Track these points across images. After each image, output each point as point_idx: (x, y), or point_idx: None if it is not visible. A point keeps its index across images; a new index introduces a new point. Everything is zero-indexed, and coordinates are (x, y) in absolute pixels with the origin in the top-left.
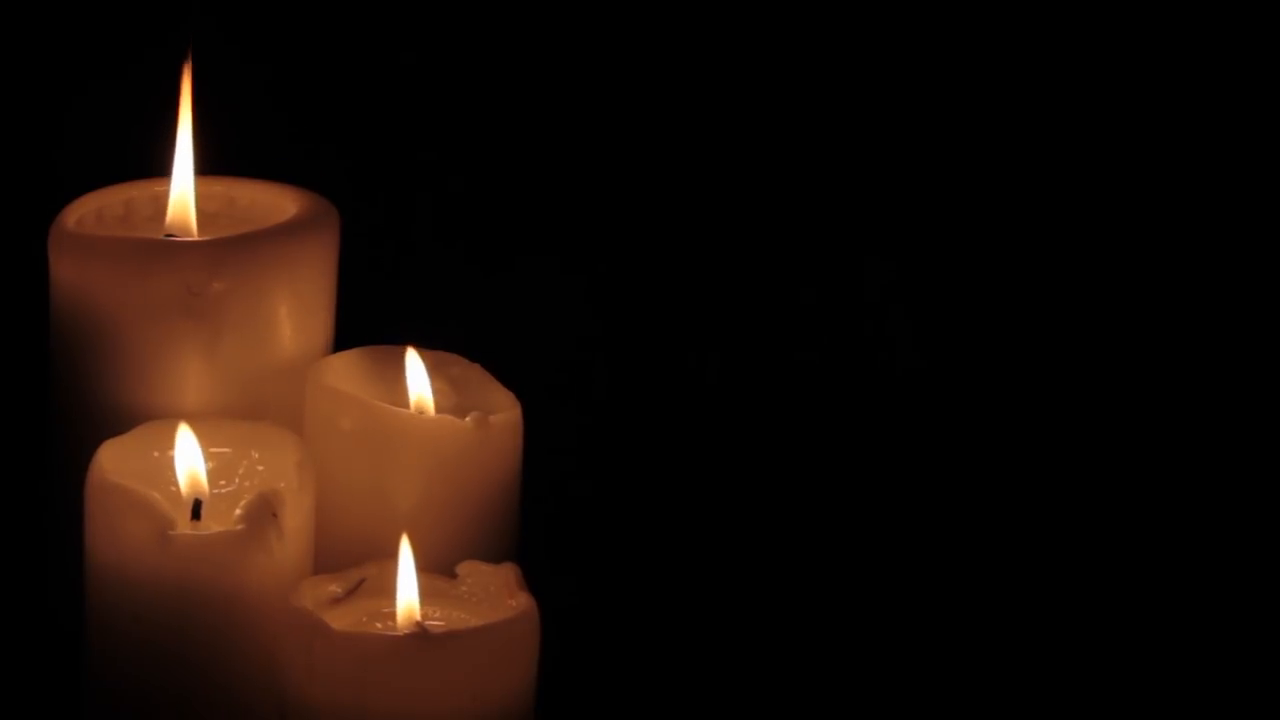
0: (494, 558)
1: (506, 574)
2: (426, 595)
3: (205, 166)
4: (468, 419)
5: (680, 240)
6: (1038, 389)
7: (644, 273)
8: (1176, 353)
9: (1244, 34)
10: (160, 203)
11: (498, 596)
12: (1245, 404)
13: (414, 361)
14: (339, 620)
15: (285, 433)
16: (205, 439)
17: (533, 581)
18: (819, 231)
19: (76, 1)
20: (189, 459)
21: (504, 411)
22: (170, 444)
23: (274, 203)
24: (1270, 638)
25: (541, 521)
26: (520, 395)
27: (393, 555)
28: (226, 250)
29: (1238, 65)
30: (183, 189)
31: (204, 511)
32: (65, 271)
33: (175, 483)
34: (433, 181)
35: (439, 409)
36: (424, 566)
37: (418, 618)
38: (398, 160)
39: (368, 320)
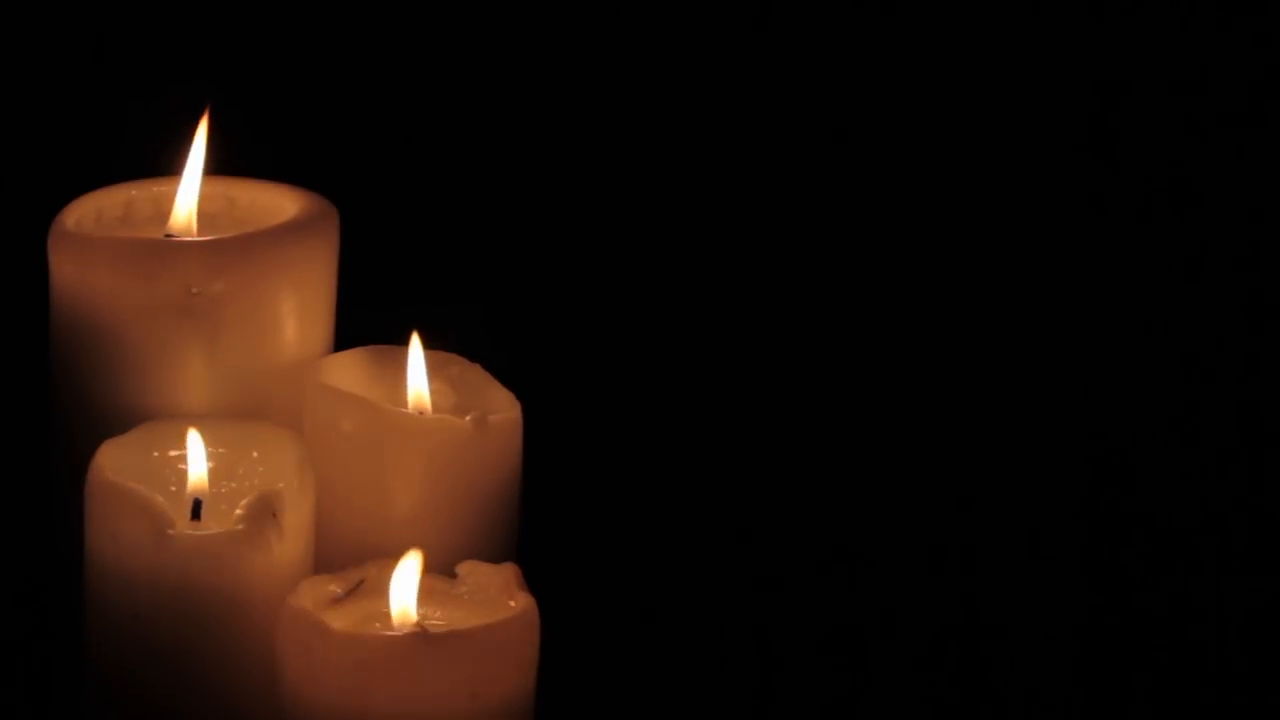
0: (494, 558)
1: (506, 574)
2: (426, 595)
3: (206, 166)
4: (468, 419)
5: (680, 241)
6: (1030, 398)
7: (644, 272)
8: (1170, 361)
9: (1244, 34)
10: (160, 203)
11: (498, 596)
12: (1240, 408)
13: (415, 355)
14: (339, 620)
15: (285, 433)
16: (205, 439)
17: (533, 581)
18: (818, 232)
19: (77, 2)
20: (196, 460)
21: (504, 411)
22: (171, 444)
23: (274, 203)
24: (1271, 638)
25: (541, 521)
26: (520, 395)
27: (394, 557)
28: (226, 250)
29: (1235, 65)
30: (189, 191)
31: (204, 511)
32: (65, 272)
33: (175, 483)
34: (432, 181)
35: (439, 409)
36: (424, 567)
37: (414, 618)
38: (398, 160)
39: (368, 320)
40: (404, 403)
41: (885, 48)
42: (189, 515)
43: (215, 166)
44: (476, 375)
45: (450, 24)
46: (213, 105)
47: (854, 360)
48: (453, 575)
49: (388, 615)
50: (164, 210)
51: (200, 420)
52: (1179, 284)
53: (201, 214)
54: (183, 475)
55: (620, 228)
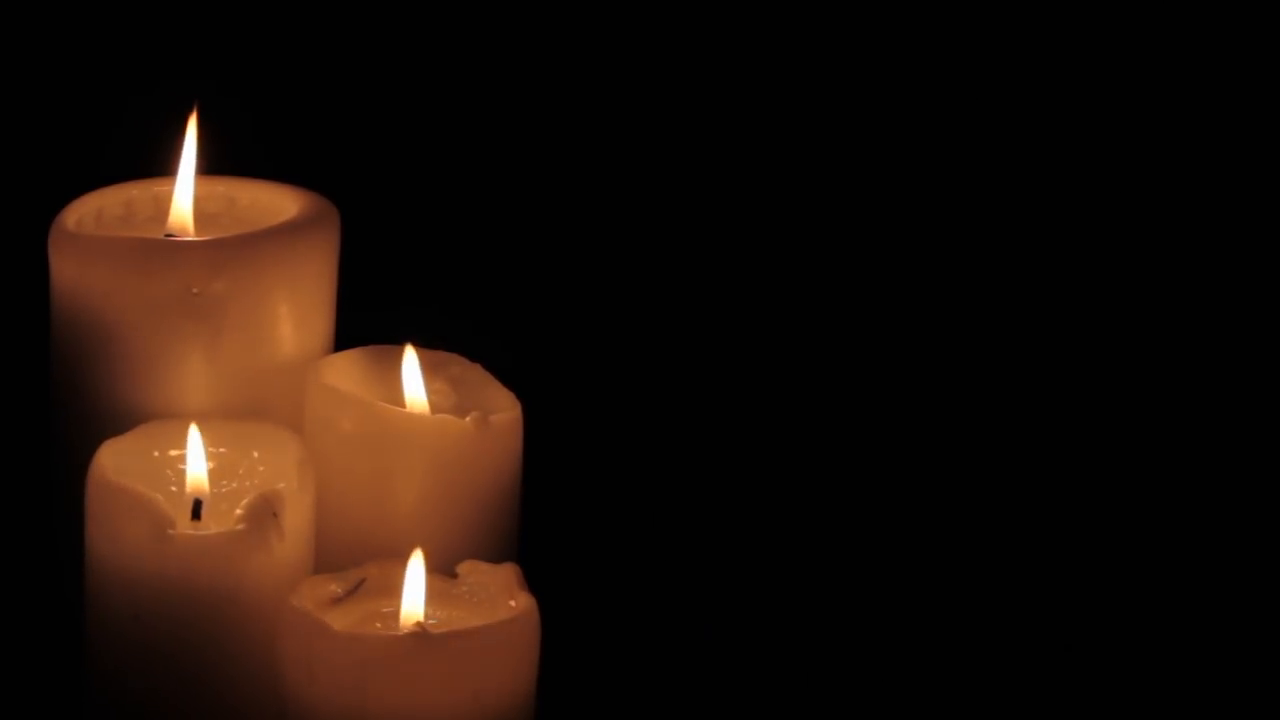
0: (494, 558)
1: (506, 574)
2: (427, 595)
3: (206, 166)
4: (468, 419)
5: (679, 241)
6: (1029, 398)
7: (644, 272)
8: (1170, 358)
9: (1240, 34)
10: (160, 203)
11: (498, 596)
12: (1241, 408)
13: (410, 361)
14: (339, 620)
15: (285, 433)
16: (205, 439)
17: (533, 581)
18: (817, 232)
19: (77, 3)
20: (196, 459)
21: (504, 411)
22: (171, 444)
23: (274, 203)
24: (1270, 638)
25: (541, 521)
26: (520, 395)
27: (396, 558)
28: (226, 250)
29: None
30: (183, 190)
31: (204, 511)
32: (65, 272)
33: (175, 482)
34: (433, 181)
35: (439, 409)
36: (427, 566)
37: (419, 618)
38: (398, 160)
39: (368, 320)
40: (404, 403)
41: (884, 47)
42: (189, 515)
43: (216, 166)
44: (477, 375)
45: (450, 24)
46: (200, 104)
47: (853, 360)
48: (453, 575)
49: (388, 615)
50: (165, 210)
51: (200, 420)
52: (1177, 285)
53: (202, 214)
54: (183, 475)
55: (620, 228)
